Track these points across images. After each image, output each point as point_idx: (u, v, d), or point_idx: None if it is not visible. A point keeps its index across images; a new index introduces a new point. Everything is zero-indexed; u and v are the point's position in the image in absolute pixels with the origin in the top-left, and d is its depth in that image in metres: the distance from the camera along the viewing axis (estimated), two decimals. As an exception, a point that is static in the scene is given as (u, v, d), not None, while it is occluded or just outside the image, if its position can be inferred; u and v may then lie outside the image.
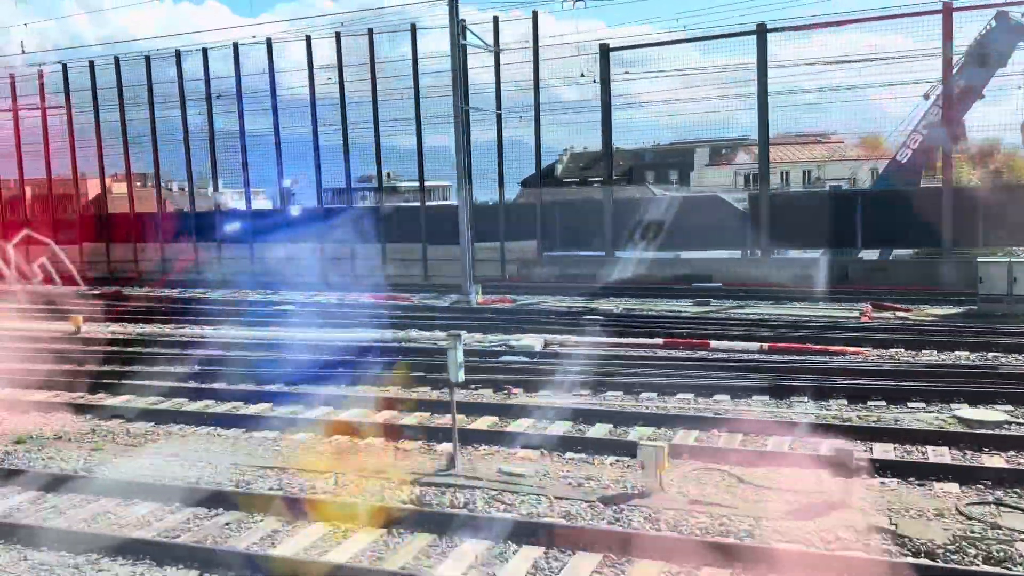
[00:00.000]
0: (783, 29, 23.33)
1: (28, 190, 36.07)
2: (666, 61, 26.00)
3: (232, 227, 31.29)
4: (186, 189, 32.61)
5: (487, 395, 12.02)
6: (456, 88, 21.08)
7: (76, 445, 10.19)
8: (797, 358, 13.30)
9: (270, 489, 8.37)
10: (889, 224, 22.44)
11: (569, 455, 9.04)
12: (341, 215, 29.60)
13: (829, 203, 24.05)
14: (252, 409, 11.59)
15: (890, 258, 23.90)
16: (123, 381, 13.15)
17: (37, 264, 31.53)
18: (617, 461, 8.71)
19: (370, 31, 27.45)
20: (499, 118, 26.03)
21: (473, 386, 12.46)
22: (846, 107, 26.12)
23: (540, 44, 25.60)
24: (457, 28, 20.82)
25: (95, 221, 34.22)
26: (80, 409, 11.84)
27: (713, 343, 14.44)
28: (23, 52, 34.89)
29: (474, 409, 10.95)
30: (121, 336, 18.01)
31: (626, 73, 26.47)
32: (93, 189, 36.13)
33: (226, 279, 28.01)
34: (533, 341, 15.30)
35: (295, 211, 30.72)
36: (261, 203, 33.13)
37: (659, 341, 14.85)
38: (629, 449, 8.84)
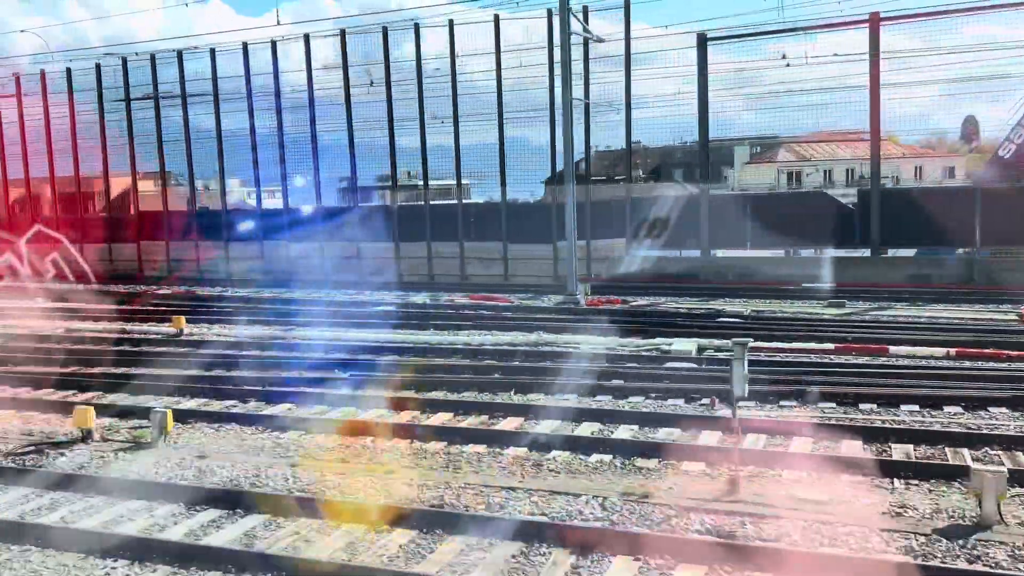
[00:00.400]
0: (897, 19, 22.36)
1: (47, 190, 35.34)
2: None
3: (281, 224, 30.23)
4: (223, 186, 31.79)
5: (680, 406, 11.11)
6: (566, 78, 20.21)
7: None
8: (998, 365, 12.36)
9: (530, 514, 7.47)
10: (1012, 221, 21.40)
11: (845, 477, 8.10)
12: (414, 214, 28.72)
13: (945, 200, 23.05)
14: (437, 419, 10.70)
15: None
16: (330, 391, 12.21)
17: (49, 260, 30.94)
18: (913, 485, 7.77)
19: (451, 22, 26.52)
20: (587, 108, 25.07)
21: (654, 395, 11.58)
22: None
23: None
24: (567, 16, 19.90)
25: (110, 220, 33.32)
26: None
27: (891, 348, 13.48)
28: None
29: (692, 423, 10.01)
30: (233, 338, 17.07)
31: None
32: (116, 188, 35.42)
33: (282, 278, 26.90)
34: (687, 346, 14.38)
35: (357, 208, 29.74)
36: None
37: (830, 346, 13.89)
38: (919, 471, 7.93)
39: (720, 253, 25.70)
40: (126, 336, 17.63)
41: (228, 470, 8.89)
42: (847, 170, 58.52)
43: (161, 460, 9.27)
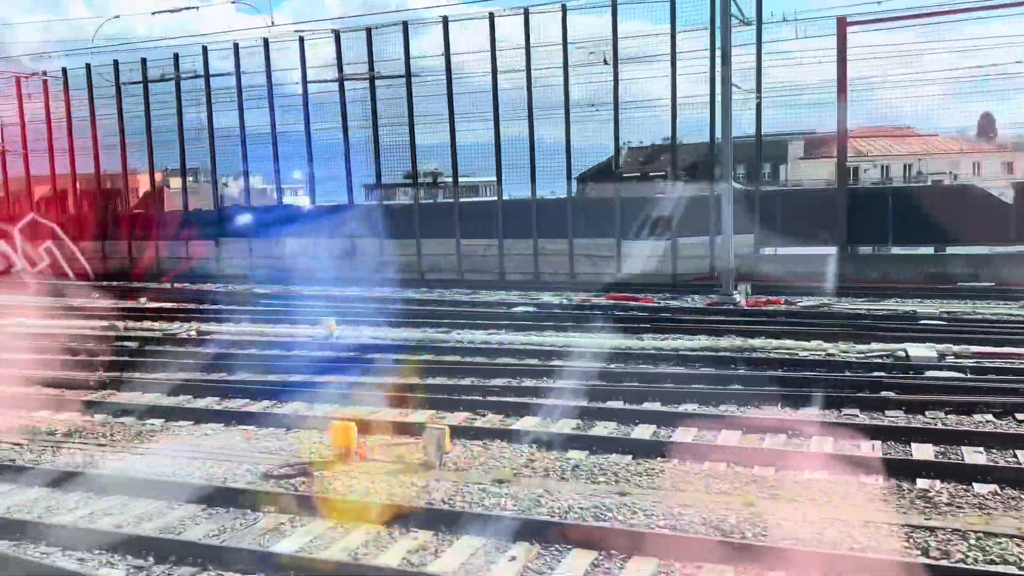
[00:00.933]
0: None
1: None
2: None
3: (372, 220, 28.94)
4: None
5: (993, 421, 9.82)
6: (725, 64, 19.00)
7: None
8: None
9: (991, 562, 6.22)
10: None
11: None
12: (519, 209, 27.42)
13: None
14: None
15: None
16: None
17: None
18: None
19: (564, 7, 25.23)
20: (759, 105, 23.66)
21: (947, 410, 10.29)
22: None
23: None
24: (727, -2, 18.68)
25: (185, 217, 31.95)
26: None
27: None
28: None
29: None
30: (391, 342, 15.82)
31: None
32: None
33: (378, 276, 25.61)
34: (925, 351, 13.07)
35: (456, 204, 28.48)
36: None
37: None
38: None
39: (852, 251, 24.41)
40: (274, 339, 16.45)
41: (557, 500, 7.62)
42: (904, 165, 57.12)
43: (460, 487, 8.02)
